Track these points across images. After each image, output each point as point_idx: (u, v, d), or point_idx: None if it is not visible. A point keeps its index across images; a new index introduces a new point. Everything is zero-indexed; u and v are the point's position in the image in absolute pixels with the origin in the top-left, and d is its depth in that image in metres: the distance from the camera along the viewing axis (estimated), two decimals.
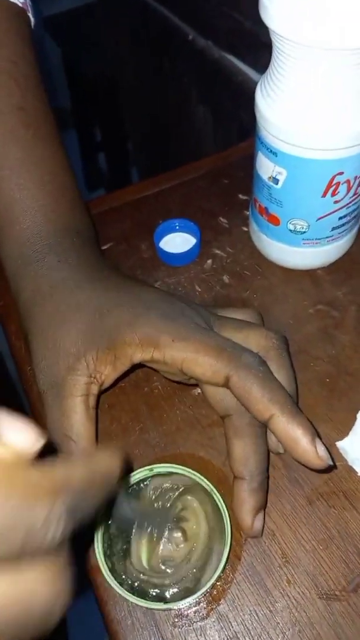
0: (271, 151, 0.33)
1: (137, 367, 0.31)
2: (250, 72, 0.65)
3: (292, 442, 0.26)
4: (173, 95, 0.91)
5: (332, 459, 0.26)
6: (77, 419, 0.29)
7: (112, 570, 0.27)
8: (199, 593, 0.26)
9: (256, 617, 0.28)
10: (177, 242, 0.42)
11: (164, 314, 0.29)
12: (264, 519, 0.29)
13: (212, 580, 0.26)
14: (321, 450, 0.26)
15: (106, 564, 0.27)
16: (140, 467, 0.30)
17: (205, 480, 0.28)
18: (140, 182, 0.48)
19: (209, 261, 0.42)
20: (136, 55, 1.01)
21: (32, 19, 0.37)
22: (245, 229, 0.43)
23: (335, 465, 0.31)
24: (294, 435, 0.26)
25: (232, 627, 0.27)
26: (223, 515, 0.28)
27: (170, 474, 0.30)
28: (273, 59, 0.31)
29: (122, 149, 1.35)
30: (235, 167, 0.48)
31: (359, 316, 0.38)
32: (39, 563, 0.15)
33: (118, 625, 0.28)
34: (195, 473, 0.29)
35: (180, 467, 0.29)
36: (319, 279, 0.40)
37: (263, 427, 0.28)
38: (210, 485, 0.28)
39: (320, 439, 0.26)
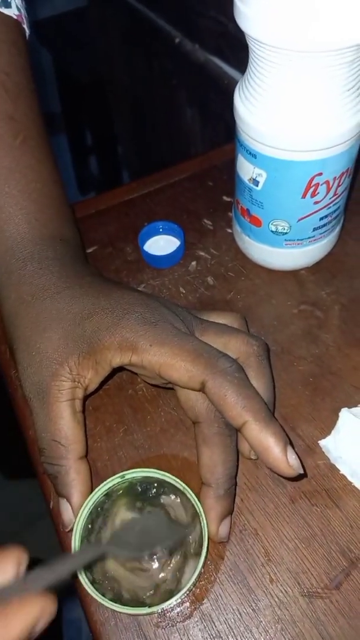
0: (250, 153, 0.33)
1: (119, 370, 0.31)
2: (236, 75, 0.65)
3: (264, 450, 0.26)
4: (162, 98, 0.91)
5: (303, 467, 0.27)
6: (64, 423, 0.29)
7: (92, 577, 0.27)
8: (179, 594, 0.26)
9: (239, 616, 0.28)
10: (161, 244, 0.43)
11: (143, 318, 0.29)
12: (230, 524, 0.29)
13: (192, 581, 0.26)
14: (292, 459, 0.26)
15: (86, 575, 0.27)
16: (122, 470, 0.30)
17: (179, 481, 0.28)
18: (126, 185, 0.48)
19: (194, 263, 0.42)
20: (125, 59, 1.02)
21: (27, 30, 0.38)
22: (230, 230, 0.43)
23: (305, 473, 0.31)
24: (266, 443, 0.26)
25: (216, 626, 0.28)
26: (200, 515, 0.28)
27: (144, 478, 0.29)
28: (250, 62, 0.31)
29: (112, 152, 1.35)
30: (219, 169, 0.48)
31: (342, 316, 0.38)
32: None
33: (102, 627, 0.28)
34: (170, 475, 0.29)
35: (154, 470, 0.29)
36: (303, 279, 0.40)
37: (232, 436, 0.29)
38: (184, 485, 0.28)
39: (293, 447, 0.26)
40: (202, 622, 0.28)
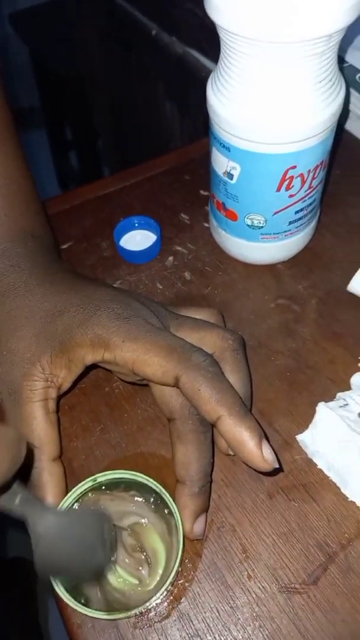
0: (224, 146, 0.33)
1: (93, 367, 0.30)
2: (214, 68, 0.64)
3: (239, 444, 0.26)
4: (141, 91, 0.90)
5: (279, 461, 0.26)
6: (37, 424, 0.29)
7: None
8: (156, 596, 0.26)
9: (217, 614, 0.28)
10: (138, 239, 0.42)
11: (116, 314, 0.28)
12: (205, 522, 0.29)
13: (169, 581, 0.26)
14: (267, 453, 0.25)
15: (61, 582, 0.26)
16: (98, 471, 0.29)
17: (152, 481, 0.28)
18: (102, 179, 0.48)
19: (171, 258, 0.42)
20: (104, 52, 1.00)
21: None
22: (207, 224, 0.43)
23: (281, 467, 0.31)
24: (241, 437, 0.25)
25: (193, 624, 0.27)
26: (174, 514, 0.27)
27: (116, 480, 0.29)
28: (221, 54, 0.31)
29: (92, 146, 1.34)
30: (196, 163, 0.48)
31: (319, 309, 0.38)
32: None
33: (79, 629, 0.27)
34: (142, 475, 0.28)
35: (127, 471, 0.29)
36: (280, 273, 0.40)
37: (207, 433, 0.28)
38: (159, 486, 0.28)
39: (268, 441, 0.26)
40: (180, 622, 0.27)
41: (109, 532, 0.26)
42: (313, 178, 0.34)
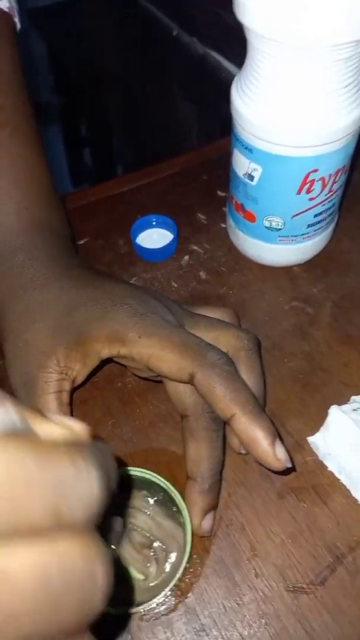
0: (246, 148, 0.33)
1: (107, 362, 0.31)
2: (233, 69, 0.65)
3: (252, 442, 0.26)
4: (158, 90, 0.90)
5: (292, 461, 0.27)
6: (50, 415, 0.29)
7: None
8: (163, 592, 0.26)
9: (224, 610, 0.28)
10: (154, 238, 0.42)
11: (133, 310, 0.29)
12: (214, 519, 0.29)
13: (177, 577, 0.26)
14: (280, 452, 0.26)
15: None
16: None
17: (161, 478, 0.28)
18: (118, 177, 0.48)
19: (186, 257, 0.42)
20: (122, 50, 1.01)
21: (18, 24, 0.37)
22: (223, 225, 0.43)
23: (294, 467, 0.31)
24: (254, 436, 0.26)
25: (200, 619, 0.28)
26: (182, 511, 0.28)
27: (125, 476, 0.29)
28: (248, 55, 0.31)
29: (107, 143, 1.34)
30: (214, 163, 0.48)
31: (333, 313, 0.38)
32: (74, 535, 0.13)
33: None
34: (152, 472, 0.29)
35: (136, 468, 0.29)
36: (295, 275, 0.40)
37: (219, 431, 0.29)
38: (167, 483, 0.28)
39: (282, 440, 0.26)
40: (186, 616, 0.28)
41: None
42: (334, 182, 0.34)
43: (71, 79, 1.27)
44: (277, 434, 0.26)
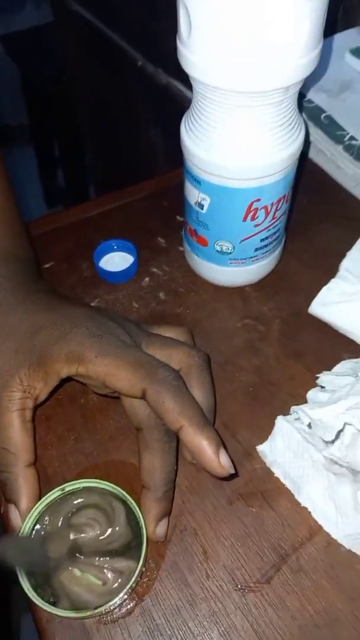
0: (195, 180, 0.36)
1: (68, 380, 0.33)
2: None
3: (199, 451, 0.28)
4: (127, 115, 0.94)
5: (235, 467, 0.29)
6: (14, 432, 0.31)
7: (36, 582, 0.28)
8: (120, 595, 0.28)
9: (177, 610, 0.30)
10: (116, 260, 0.45)
11: (90, 332, 0.31)
12: (168, 525, 0.31)
13: (132, 581, 0.28)
14: (224, 459, 0.28)
15: (29, 580, 0.28)
16: (70, 479, 0.31)
17: (118, 488, 0.30)
18: (84, 203, 0.50)
19: (147, 279, 0.44)
20: (91, 75, 1.04)
21: None
22: (181, 248, 0.46)
23: (237, 473, 0.33)
24: (200, 445, 0.28)
25: (154, 620, 0.30)
26: (139, 521, 0.30)
27: (84, 489, 0.31)
28: (194, 98, 0.34)
29: (79, 164, 1.37)
30: (173, 190, 0.51)
31: (282, 329, 0.41)
32: None
33: (47, 624, 0.29)
34: (108, 482, 0.31)
35: (94, 480, 0.31)
36: (247, 295, 0.43)
37: (171, 442, 0.31)
38: (123, 492, 0.30)
39: (226, 449, 0.29)
40: (142, 617, 0.30)
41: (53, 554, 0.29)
42: (276, 210, 0.37)
43: (43, 101, 1.30)
44: (222, 443, 0.29)
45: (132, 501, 0.30)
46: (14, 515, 0.31)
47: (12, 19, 1.36)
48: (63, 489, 0.31)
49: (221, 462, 0.28)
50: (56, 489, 0.31)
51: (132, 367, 0.29)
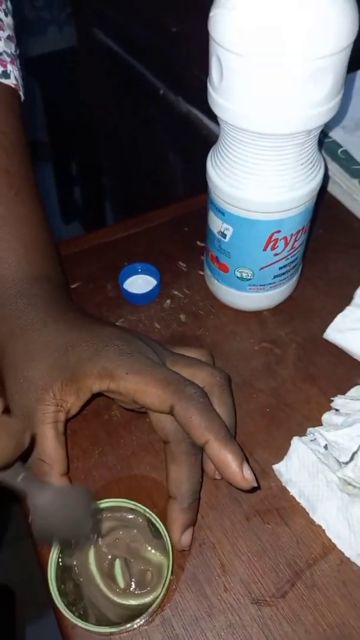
0: (219, 211, 0.38)
1: (98, 395, 0.35)
2: (214, 127, 0.71)
3: (223, 465, 0.30)
4: (146, 139, 0.97)
5: (257, 481, 0.31)
6: (48, 443, 0.33)
7: (67, 600, 0.30)
8: (147, 613, 0.29)
9: (195, 621, 0.31)
10: (140, 283, 0.47)
11: (121, 350, 0.33)
12: (192, 534, 0.32)
13: (157, 601, 0.30)
14: (247, 473, 0.30)
15: (61, 597, 0.30)
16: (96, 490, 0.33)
17: (142, 506, 0.32)
18: (110, 226, 0.53)
19: (168, 301, 0.46)
20: (111, 99, 1.08)
21: (22, 96, 0.43)
22: (201, 272, 0.48)
23: (259, 486, 0.35)
24: (225, 459, 0.30)
25: (174, 629, 0.31)
26: (164, 537, 0.31)
27: (108, 508, 0.33)
28: (220, 136, 0.36)
29: (97, 183, 1.40)
30: (194, 216, 0.53)
31: (298, 353, 0.43)
32: None
33: (72, 630, 0.31)
34: (133, 502, 0.32)
35: (117, 499, 0.32)
36: (265, 319, 0.45)
37: (197, 455, 0.33)
38: (147, 510, 0.32)
39: (249, 463, 0.30)
40: (162, 627, 0.31)
41: (93, 508, 0.31)
42: (295, 240, 0.39)
43: (64, 122, 1.35)
44: (245, 458, 0.31)
45: (159, 520, 0.31)
46: None
47: (35, 42, 1.41)
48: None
49: (245, 476, 0.30)
50: None
51: (161, 384, 0.31)
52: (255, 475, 0.30)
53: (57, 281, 0.40)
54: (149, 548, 0.32)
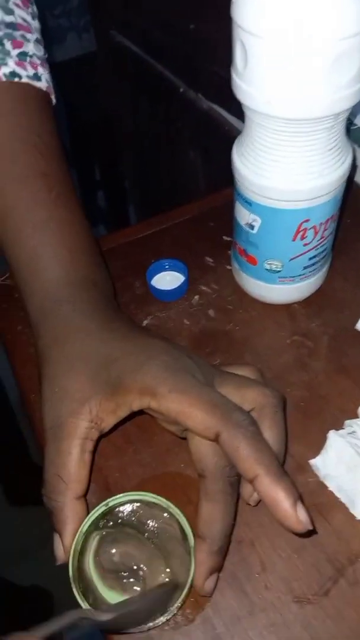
0: (247, 201, 0.38)
1: (137, 414, 0.32)
2: (236, 122, 0.70)
3: (274, 503, 0.27)
4: (166, 139, 0.97)
5: (312, 523, 0.27)
6: (70, 460, 0.30)
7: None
8: (169, 612, 0.28)
9: (237, 620, 0.31)
10: (167, 279, 0.47)
11: (165, 366, 0.30)
12: (217, 580, 0.30)
13: (180, 600, 0.28)
14: (302, 514, 0.26)
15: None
16: (129, 488, 0.33)
17: (167, 502, 0.30)
18: (135, 225, 0.53)
19: (196, 297, 0.46)
20: (132, 101, 1.08)
21: (54, 100, 0.43)
22: (229, 267, 0.47)
23: (315, 530, 0.32)
24: (276, 497, 0.26)
25: (216, 628, 0.30)
26: (187, 536, 0.30)
27: (130, 502, 0.31)
28: (246, 124, 0.36)
29: (119, 187, 1.41)
30: (219, 211, 0.52)
31: (330, 345, 0.42)
32: None
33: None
34: (155, 495, 0.30)
35: (138, 493, 0.31)
36: (295, 312, 0.44)
37: (234, 495, 0.30)
38: (176, 508, 0.30)
39: (303, 502, 0.27)
40: (203, 626, 0.31)
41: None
42: (324, 229, 0.38)
43: (85, 127, 1.36)
44: (299, 496, 0.27)
45: (184, 518, 0.30)
46: (58, 546, 0.31)
47: (56, 50, 1.43)
48: (107, 504, 0.31)
49: (299, 517, 0.26)
50: (100, 505, 0.31)
51: (207, 408, 0.29)
52: (309, 514, 0.27)
53: (104, 288, 0.38)
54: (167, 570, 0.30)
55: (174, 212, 0.53)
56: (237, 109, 0.36)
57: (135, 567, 0.30)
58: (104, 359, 0.32)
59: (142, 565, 0.30)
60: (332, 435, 0.35)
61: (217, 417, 0.28)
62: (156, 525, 0.31)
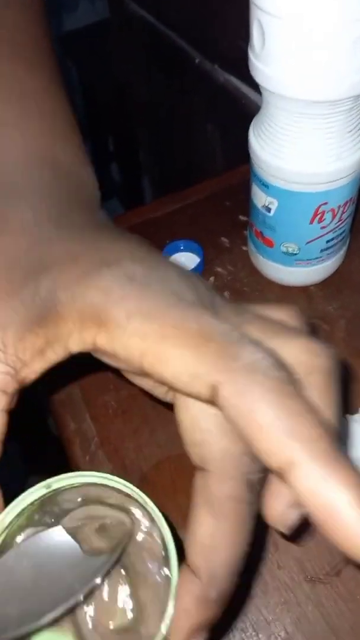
0: (263, 184, 0.37)
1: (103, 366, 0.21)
2: (253, 95, 0.68)
3: (328, 510, 0.14)
4: (182, 112, 0.95)
5: None
6: None
7: None
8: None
9: (250, 598, 0.32)
10: (182, 261, 0.47)
11: (128, 276, 0.18)
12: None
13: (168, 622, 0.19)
14: None
15: None
16: (145, 469, 0.33)
17: (144, 497, 0.20)
18: (149, 204, 0.52)
19: (212, 278, 0.46)
20: (147, 72, 1.06)
21: None
22: (245, 248, 0.47)
23: None
24: (333, 502, 0.14)
25: (232, 604, 0.31)
26: (171, 563, 0.19)
27: (71, 486, 0.21)
28: (263, 105, 0.35)
29: (133, 159, 1.39)
30: (235, 190, 0.52)
31: (347, 328, 0.41)
32: None
33: None
34: (114, 477, 0.21)
35: (94, 473, 0.21)
36: (312, 294, 0.44)
37: (254, 505, 0.18)
38: (156, 509, 0.20)
39: None
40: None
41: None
42: (343, 212, 0.38)
43: (99, 97, 1.34)
44: None
45: (155, 508, 0.20)
46: None
47: (67, 18, 1.39)
48: (49, 485, 0.21)
49: None
50: (40, 485, 0.21)
51: (194, 341, 0.16)
52: None
53: (69, 170, 0.27)
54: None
55: (188, 191, 0.53)
56: (255, 82, 0.35)
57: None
58: (34, 265, 0.20)
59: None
60: (348, 419, 0.35)
61: (212, 356, 0.16)
62: (121, 529, 0.21)
